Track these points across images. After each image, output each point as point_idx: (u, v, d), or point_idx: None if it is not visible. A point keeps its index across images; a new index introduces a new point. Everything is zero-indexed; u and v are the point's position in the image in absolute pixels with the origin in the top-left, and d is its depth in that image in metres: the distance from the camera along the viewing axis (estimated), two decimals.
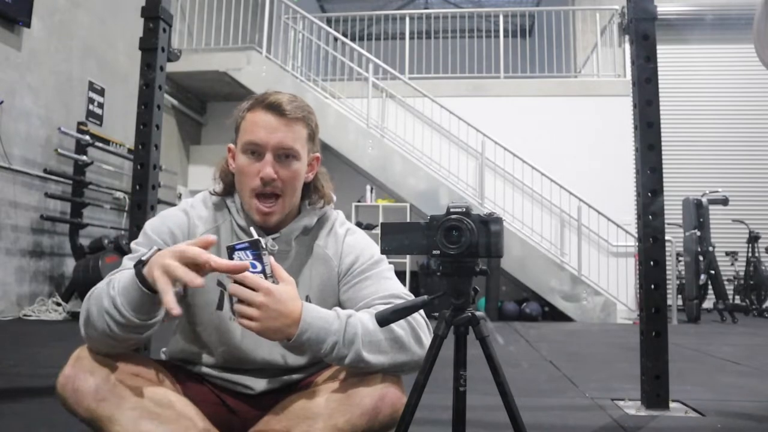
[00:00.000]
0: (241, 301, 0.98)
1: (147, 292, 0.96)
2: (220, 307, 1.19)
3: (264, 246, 1.00)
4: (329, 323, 1.04)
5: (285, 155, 1.16)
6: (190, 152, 7.97)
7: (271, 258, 1.02)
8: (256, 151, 1.15)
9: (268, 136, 1.14)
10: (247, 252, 0.99)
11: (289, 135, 1.15)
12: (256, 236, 1.03)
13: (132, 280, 0.97)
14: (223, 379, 1.21)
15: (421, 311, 1.09)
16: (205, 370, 1.22)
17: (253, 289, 0.98)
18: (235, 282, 0.98)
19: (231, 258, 0.99)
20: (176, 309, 0.90)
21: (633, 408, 2.07)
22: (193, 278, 0.91)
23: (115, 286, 1.00)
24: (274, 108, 1.15)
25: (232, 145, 1.22)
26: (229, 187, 1.24)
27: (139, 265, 0.97)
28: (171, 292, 0.91)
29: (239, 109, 1.20)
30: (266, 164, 1.14)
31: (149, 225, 1.20)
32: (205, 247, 0.95)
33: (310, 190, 1.26)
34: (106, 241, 5.10)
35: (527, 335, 4.77)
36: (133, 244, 1.18)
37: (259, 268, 1.00)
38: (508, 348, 3.96)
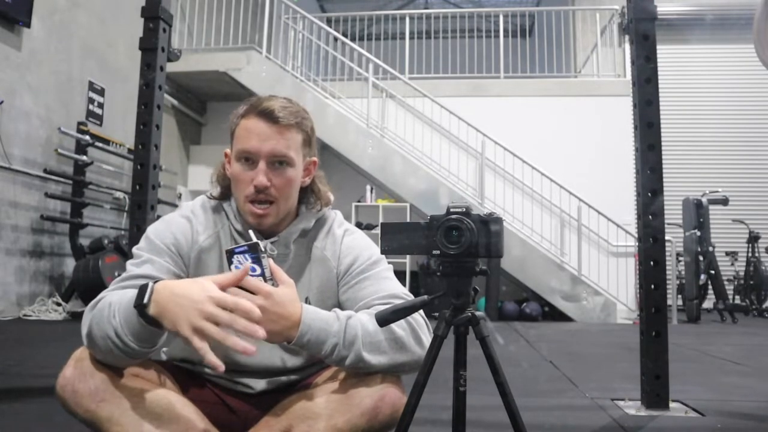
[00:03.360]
0: None
1: (153, 329, 0.96)
2: None
3: (263, 249, 1.00)
4: (329, 325, 1.04)
5: (278, 162, 1.15)
6: (190, 152, 7.97)
7: (271, 260, 1.02)
8: (249, 158, 1.14)
9: (260, 144, 1.13)
10: (246, 255, 0.99)
11: (281, 142, 1.14)
12: (254, 239, 1.03)
13: (135, 315, 0.96)
14: (223, 379, 1.21)
15: (421, 311, 1.09)
16: (205, 370, 1.22)
17: (252, 293, 0.98)
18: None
19: (230, 261, 0.99)
20: (221, 366, 0.92)
21: (633, 408, 2.07)
22: (236, 342, 0.91)
23: (116, 314, 0.99)
24: (266, 115, 1.14)
25: (228, 150, 1.22)
26: (226, 191, 1.24)
27: (140, 306, 0.95)
28: (209, 350, 0.91)
29: (234, 115, 1.19)
30: (259, 172, 1.13)
31: (152, 230, 1.19)
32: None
33: (308, 193, 1.26)
34: (106, 241, 5.10)
35: (527, 335, 4.77)
36: (135, 250, 1.17)
37: (259, 271, 1.00)
38: (508, 348, 3.96)
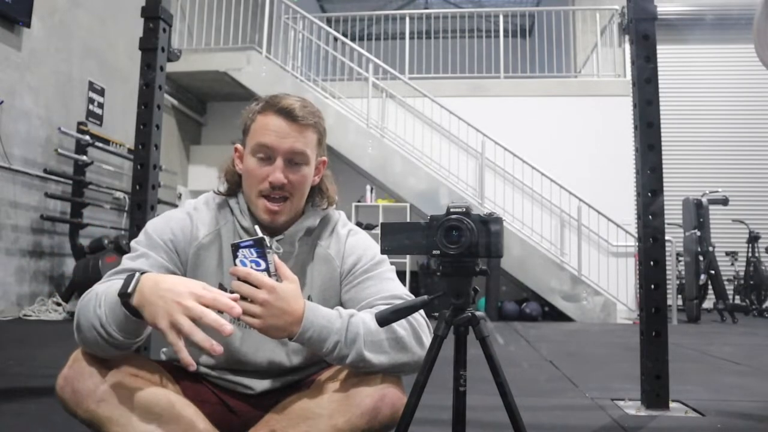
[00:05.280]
0: (244, 298, 0.98)
1: (135, 319, 0.96)
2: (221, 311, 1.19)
3: (268, 244, 1.01)
4: (331, 322, 1.04)
5: (295, 160, 1.16)
6: (190, 152, 7.97)
7: (275, 256, 1.02)
8: (266, 154, 1.15)
9: (280, 140, 1.13)
10: (251, 250, 0.99)
11: (300, 140, 1.15)
12: (260, 234, 1.03)
13: (119, 305, 0.96)
14: (223, 379, 1.21)
15: (422, 311, 1.09)
16: (205, 370, 1.22)
17: (256, 287, 0.98)
18: (239, 279, 0.98)
19: (235, 255, 1.00)
20: (193, 365, 0.91)
21: (633, 408, 2.07)
22: (210, 344, 0.90)
23: (102, 304, 0.99)
24: (287, 113, 1.14)
25: (239, 146, 1.22)
26: (234, 187, 1.24)
27: (124, 295, 0.95)
28: (184, 347, 0.90)
29: (249, 111, 1.19)
30: (276, 169, 1.14)
31: (151, 225, 1.20)
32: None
33: (315, 192, 1.27)
34: (106, 241, 5.10)
35: (527, 335, 4.77)
36: (133, 243, 1.18)
37: (263, 265, 1.00)
38: (508, 348, 3.96)
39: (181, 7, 7.07)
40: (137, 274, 0.97)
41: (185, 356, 0.90)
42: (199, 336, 0.89)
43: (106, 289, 1.01)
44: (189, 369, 0.91)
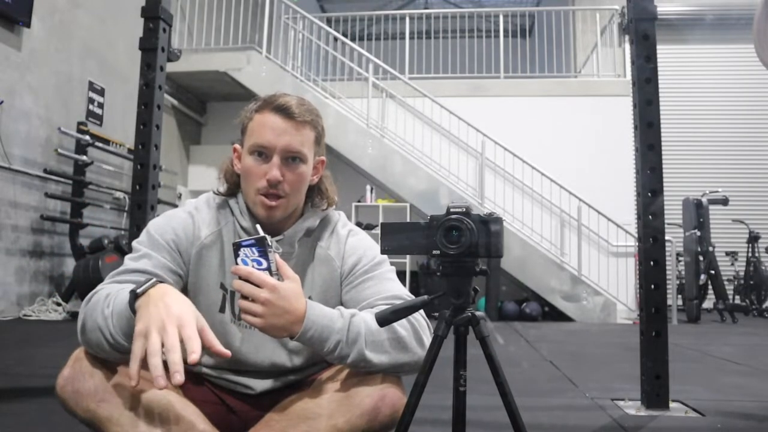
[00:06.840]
0: (245, 297, 0.98)
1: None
2: (222, 309, 1.19)
3: (270, 243, 1.01)
4: (333, 322, 1.04)
5: (292, 158, 1.15)
6: (190, 152, 7.97)
7: (277, 255, 1.02)
8: (263, 152, 1.14)
9: (276, 138, 1.13)
10: (253, 249, 0.99)
11: (296, 138, 1.15)
12: (261, 233, 1.03)
13: (125, 308, 0.96)
14: (223, 379, 1.21)
15: (422, 312, 1.09)
16: (205, 370, 1.22)
17: (258, 286, 0.98)
18: (241, 278, 0.98)
19: (237, 254, 1.00)
20: (161, 383, 0.84)
21: (633, 408, 2.07)
22: (155, 366, 0.84)
23: (110, 306, 0.99)
24: (283, 110, 1.14)
25: (237, 146, 1.22)
26: (233, 187, 1.24)
27: (135, 293, 0.95)
28: (138, 359, 0.86)
29: (247, 110, 1.20)
30: (273, 166, 1.13)
31: (153, 225, 1.20)
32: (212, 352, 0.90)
33: (314, 192, 1.26)
34: (106, 241, 5.10)
35: (527, 335, 4.77)
36: (135, 243, 1.17)
37: (265, 264, 1.00)
38: (508, 348, 3.96)
39: (181, 7, 7.07)
40: (154, 279, 0.98)
41: (134, 367, 0.86)
42: (154, 361, 0.85)
43: (116, 292, 1.01)
44: (157, 385, 0.85)
